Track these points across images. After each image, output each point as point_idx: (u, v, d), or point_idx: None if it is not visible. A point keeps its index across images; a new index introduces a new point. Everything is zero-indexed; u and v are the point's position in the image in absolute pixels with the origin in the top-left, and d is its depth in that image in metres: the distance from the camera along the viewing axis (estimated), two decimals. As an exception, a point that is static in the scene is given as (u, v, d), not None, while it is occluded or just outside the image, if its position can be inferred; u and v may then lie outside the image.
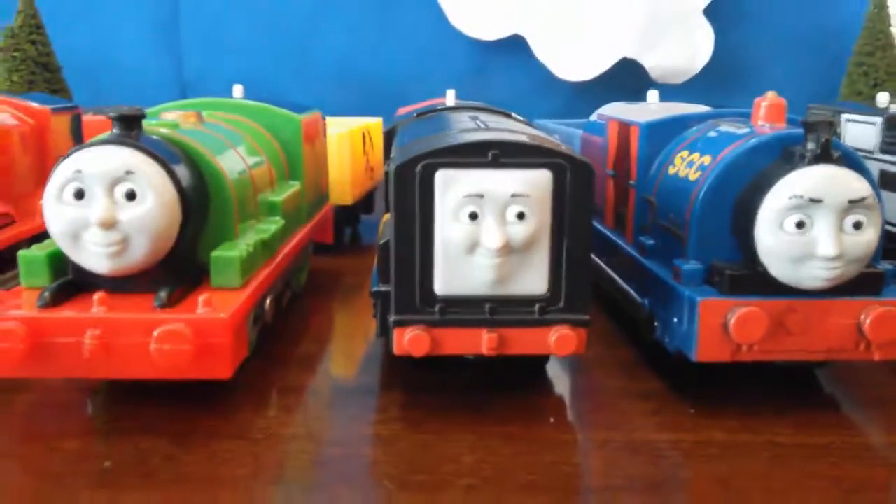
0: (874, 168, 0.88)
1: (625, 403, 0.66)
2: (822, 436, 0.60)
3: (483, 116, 0.77)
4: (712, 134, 0.70)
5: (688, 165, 0.69)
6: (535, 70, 1.92)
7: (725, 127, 0.70)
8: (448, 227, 0.56)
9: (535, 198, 0.56)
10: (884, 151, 0.86)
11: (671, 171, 0.71)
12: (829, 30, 1.95)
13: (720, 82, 2.00)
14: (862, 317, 0.60)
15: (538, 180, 0.57)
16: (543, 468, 0.55)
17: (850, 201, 0.58)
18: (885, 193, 0.86)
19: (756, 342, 0.60)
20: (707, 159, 0.66)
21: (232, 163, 0.66)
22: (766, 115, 0.67)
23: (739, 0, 1.95)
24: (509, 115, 0.87)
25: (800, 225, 0.59)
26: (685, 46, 1.90)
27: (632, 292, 0.75)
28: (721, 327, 0.60)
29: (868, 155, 0.89)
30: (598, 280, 0.84)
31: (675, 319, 0.64)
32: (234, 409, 0.62)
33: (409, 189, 0.56)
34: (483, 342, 0.58)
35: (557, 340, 0.58)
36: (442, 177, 0.56)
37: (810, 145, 0.60)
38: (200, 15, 1.92)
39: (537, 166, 0.57)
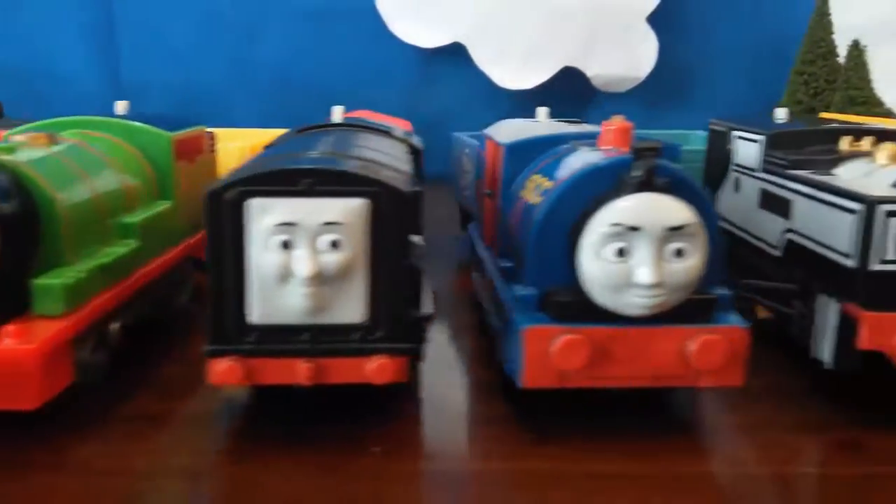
0: (756, 187, 0.88)
1: (471, 429, 0.66)
2: (642, 465, 0.60)
3: (344, 138, 0.77)
4: (560, 157, 0.70)
5: (535, 189, 0.68)
6: (477, 78, 1.92)
7: (575, 150, 0.70)
8: (260, 256, 0.56)
9: (350, 226, 0.56)
10: (765, 171, 0.85)
11: (523, 193, 0.71)
12: (775, 38, 1.95)
13: (665, 91, 2.00)
14: (687, 344, 0.60)
15: (353, 209, 0.56)
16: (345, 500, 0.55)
17: (670, 229, 0.58)
18: (764, 214, 0.86)
19: (579, 369, 0.60)
20: (549, 184, 0.66)
21: (72, 186, 0.66)
22: (613, 140, 0.67)
23: (684, 8, 1.95)
24: (388, 134, 0.87)
25: (620, 253, 0.58)
26: (628, 55, 1.90)
27: (492, 315, 0.75)
28: (546, 354, 0.60)
29: (751, 173, 0.89)
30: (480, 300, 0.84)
31: (510, 345, 0.64)
32: (63, 439, 0.61)
33: (221, 216, 0.56)
34: (300, 372, 0.58)
35: (376, 369, 0.58)
36: (254, 205, 0.56)
37: (634, 172, 0.59)
38: (137, 23, 1.92)
39: (353, 195, 0.56)
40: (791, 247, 0.78)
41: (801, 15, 1.85)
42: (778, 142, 0.86)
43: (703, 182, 1.06)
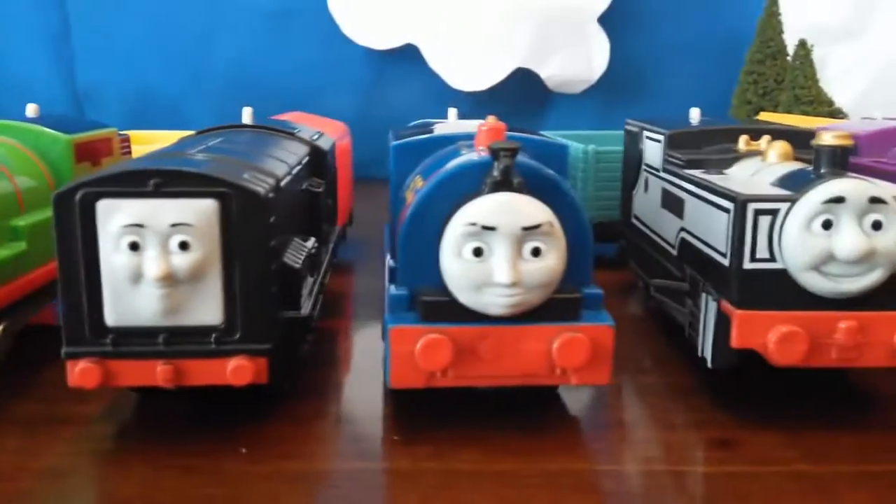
0: (658, 187, 0.88)
1: (343, 429, 0.66)
2: (502, 462, 0.60)
3: (232, 139, 0.77)
4: (438, 159, 0.69)
5: (413, 189, 0.68)
6: (431, 80, 1.92)
7: (454, 152, 0.70)
8: (111, 257, 0.56)
9: (200, 227, 0.56)
10: (664, 170, 0.85)
11: (406, 194, 0.71)
12: (729, 37, 1.95)
13: (620, 92, 2.01)
14: (551, 343, 0.60)
15: (203, 209, 0.56)
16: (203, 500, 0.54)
17: (525, 228, 0.58)
18: (665, 213, 0.86)
19: (444, 369, 0.60)
20: (422, 184, 0.66)
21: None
22: (486, 141, 0.67)
23: (636, 9, 1.96)
24: (292, 136, 0.87)
25: (477, 252, 0.58)
26: (581, 56, 1.91)
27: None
28: (411, 354, 0.60)
29: (656, 173, 0.89)
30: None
31: (384, 345, 0.64)
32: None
33: (71, 217, 0.56)
34: (159, 374, 0.58)
35: (234, 371, 0.58)
36: (103, 206, 0.55)
37: (493, 172, 0.59)
38: (92, 26, 1.92)
39: (202, 195, 0.56)
40: (683, 246, 0.78)
41: (755, 14, 1.86)
42: (676, 142, 0.86)
43: (621, 182, 1.07)
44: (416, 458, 0.60)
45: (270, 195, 0.59)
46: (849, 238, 0.61)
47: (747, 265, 0.64)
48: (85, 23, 1.91)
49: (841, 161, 0.65)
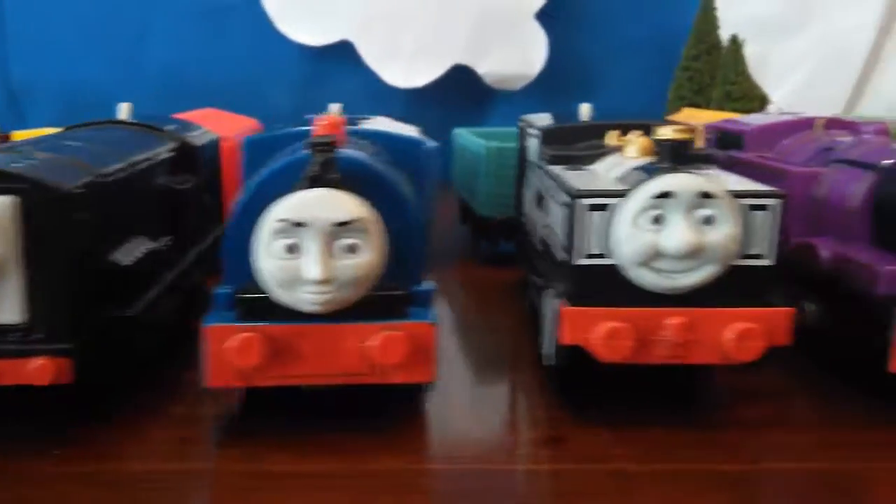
0: (535, 183, 0.87)
1: (176, 430, 0.65)
2: (317, 463, 0.59)
3: (85, 135, 0.75)
4: (280, 155, 0.69)
5: (250, 185, 0.67)
6: (368, 77, 1.91)
7: (297, 147, 0.69)
8: None
9: (-2, 224, 0.55)
10: (538, 167, 0.85)
11: (248, 190, 0.70)
12: (667, 34, 1.94)
13: (561, 89, 1.99)
14: (370, 341, 0.59)
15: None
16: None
17: (337, 224, 0.57)
18: (537, 209, 0.85)
19: (258, 367, 0.59)
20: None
21: None
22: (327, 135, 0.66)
23: (574, 5, 1.95)
24: (160, 132, 0.85)
25: (290, 249, 0.57)
26: (518, 52, 1.90)
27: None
28: (225, 353, 0.59)
29: (535, 169, 0.88)
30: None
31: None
32: None
33: None
34: (-39, 372, 0.57)
35: (34, 371, 0.57)
36: None
37: (310, 168, 0.58)
38: (25, 22, 1.90)
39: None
40: (544, 241, 0.77)
41: (694, 11, 1.85)
42: (550, 138, 0.85)
43: (516, 178, 1.06)
44: (228, 459, 0.59)
45: (78, 191, 0.57)
46: (676, 233, 0.60)
47: (580, 260, 0.64)
48: (20, 19, 1.89)
49: (680, 155, 0.64)
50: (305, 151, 0.61)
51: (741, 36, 1.90)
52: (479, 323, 0.93)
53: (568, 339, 0.63)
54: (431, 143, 1.10)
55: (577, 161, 0.79)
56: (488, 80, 1.92)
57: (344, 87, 1.96)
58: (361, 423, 0.64)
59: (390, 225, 0.61)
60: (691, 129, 0.65)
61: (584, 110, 0.99)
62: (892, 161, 0.73)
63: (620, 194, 0.62)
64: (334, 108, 0.97)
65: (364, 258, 0.58)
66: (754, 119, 1.02)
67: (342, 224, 0.57)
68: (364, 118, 0.93)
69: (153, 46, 1.92)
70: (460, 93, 1.97)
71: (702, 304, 0.62)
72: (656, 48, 1.96)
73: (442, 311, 0.95)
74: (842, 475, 0.58)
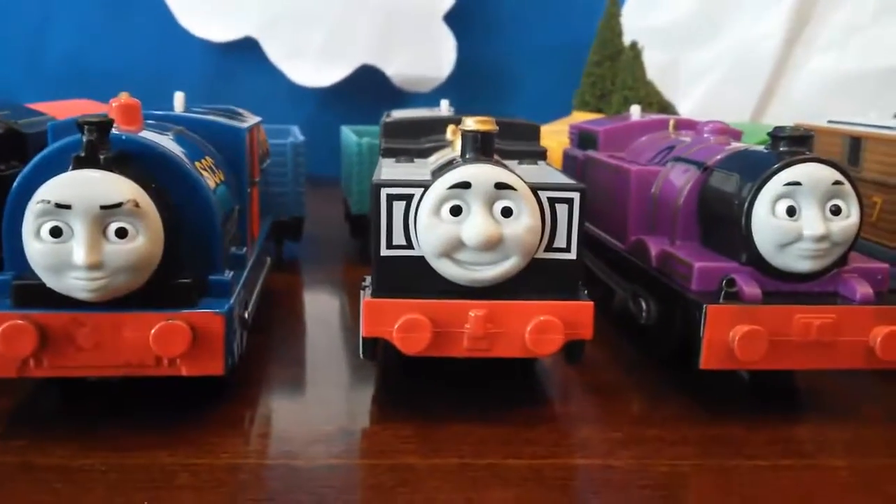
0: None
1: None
2: (91, 458, 0.56)
3: None
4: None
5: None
6: (276, 75, 1.88)
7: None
8: None
9: None
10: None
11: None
12: (576, 40, 1.95)
13: (474, 92, 1.99)
14: (150, 331, 0.57)
15: None
16: None
17: (104, 207, 0.54)
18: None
19: (31, 356, 0.56)
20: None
21: None
22: (119, 119, 0.63)
23: (483, 9, 1.95)
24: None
25: (55, 232, 0.54)
26: (427, 54, 1.89)
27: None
28: (-3, 342, 0.56)
29: (381, 162, 0.87)
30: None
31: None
32: None
33: None
34: None
35: None
36: None
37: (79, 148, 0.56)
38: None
39: None
40: (372, 235, 0.76)
41: (599, 16, 1.86)
42: (390, 131, 0.84)
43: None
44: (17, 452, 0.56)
45: None
46: (475, 224, 0.59)
47: (384, 252, 0.62)
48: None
49: (482, 146, 0.63)
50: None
51: (650, 43, 1.92)
52: (336, 320, 0.91)
53: (368, 331, 0.61)
54: (295, 138, 1.09)
55: (414, 154, 0.78)
56: (396, 81, 1.91)
57: (253, 85, 1.94)
58: (158, 417, 0.62)
59: (182, 210, 0.59)
60: (493, 121, 0.63)
61: (444, 105, 0.98)
62: (716, 159, 0.72)
63: (422, 185, 0.61)
64: (178, 96, 0.94)
65: (137, 243, 0.55)
66: (610, 120, 1.02)
67: (110, 207, 0.54)
68: None
69: (54, 39, 1.88)
70: (373, 93, 1.95)
71: (504, 297, 0.61)
72: (566, 54, 1.96)
73: (311, 311, 0.94)
74: (642, 472, 0.57)
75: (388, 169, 0.68)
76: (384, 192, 0.61)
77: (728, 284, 0.64)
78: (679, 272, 0.69)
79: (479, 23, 1.94)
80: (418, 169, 0.69)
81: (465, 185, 0.59)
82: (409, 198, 0.61)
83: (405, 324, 0.59)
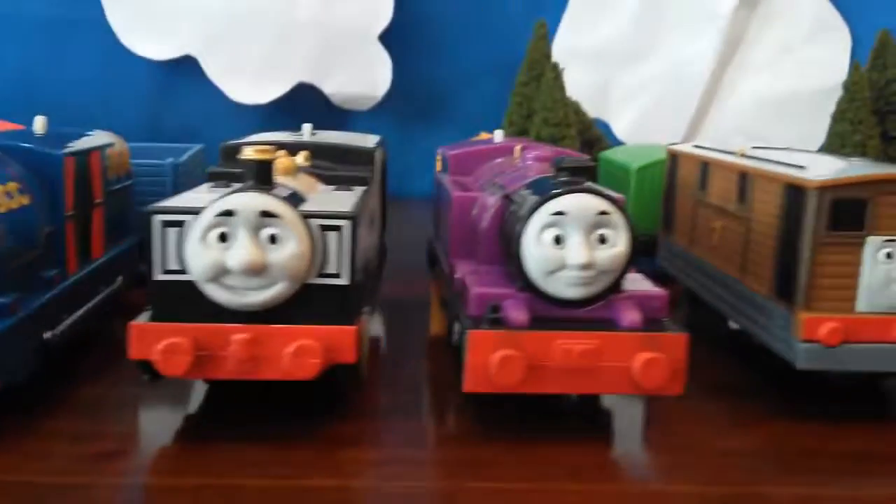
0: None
1: None
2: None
3: None
4: None
5: None
6: (214, 93, 1.92)
7: None
8: None
9: None
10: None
11: None
12: (512, 59, 1.97)
13: (410, 110, 2.02)
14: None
15: None
16: None
17: None
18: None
19: None
20: None
21: None
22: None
23: (419, 29, 1.98)
24: None
25: None
26: (363, 73, 1.92)
27: None
28: None
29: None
30: None
31: None
32: None
33: None
34: None
35: None
36: None
37: None
38: None
39: None
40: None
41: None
42: (225, 155, 0.87)
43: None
44: None
45: None
46: (237, 251, 0.61)
47: (159, 276, 0.65)
48: None
49: (258, 175, 0.65)
50: None
51: (584, 64, 1.95)
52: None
53: (135, 353, 0.63)
54: (176, 159, 1.12)
55: (237, 179, 0.80)
56: (335, 99, 1.94)
57: (194, 103, 1.97)
58: None
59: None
60: (272, 150, 0.66)
61: (306, 130, 1.01)
62: (515, 187, 0.74)
63: (193, 212, 0.63)
64: (39, 119, 0.97)
65: None
66: (465, 144, 1.04)
67: None
68: None
69: (-1, 58, 1.92)
70: (313, 111, 1.98)
71: (274, 322, 0.64)
72: (502, 73, 1.98)
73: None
74: (396, 496, 0.59)
75: (183, 195, 0.70)
76: (156, 218, 0.64)
77: (493, 310, 0.66)
78: (464, 297, 0.71)
79: (416, 43, 1.97)
80: (213, 195, 0.71)
81: (230, 213, 0.62)
82: (181, 224, 0.64)
83: (166, 347, 0.62)
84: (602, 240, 0.66)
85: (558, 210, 0.65)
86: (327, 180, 0.80)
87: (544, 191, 0.67)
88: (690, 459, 0.68)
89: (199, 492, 0.58)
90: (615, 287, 0.68)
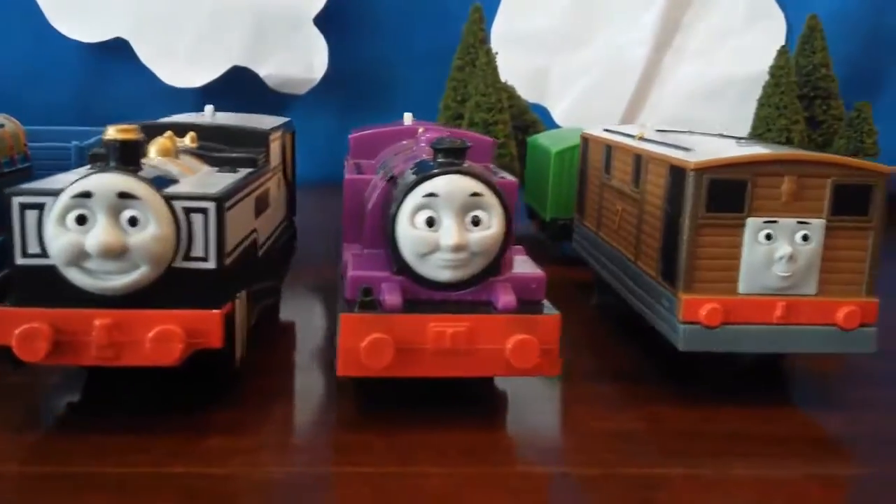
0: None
1: None
2: None
3: None
4: None
5: None
6: (152, 76, 1.88)
7: None
8: None
9: None
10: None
11: None
12: (450, 43, 1.96)
13: (351, 93, 2.00)
14: None
15: None
16: None
17: None
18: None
19: None
20: None
21: None
22: None
23: (356, 12, 1.96)
24: None
25: None
26: (298, 56, 1.90)
27: None
28: None
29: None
30: None
31: None
32: None
33: None
34: None
35: None
36: None
37: None
38: None
39: None
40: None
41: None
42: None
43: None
44: None
45: None
46: (95, 234, 0.60)
47: (20, 260, 0.63)
48: None
49: (122, 155, 0.63)
50: None
51: (523, 48, 1.94)
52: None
53: (-10, 340, 0.62)
54: (80, 142, 1.09)
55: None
56: (270, 82, 1.92)
57: (127, 86, 1.94)
58: None
59: None
60: (135, 130, 0.64)
61: (208, 111, 0.99)
62: (400, 169, 0.73)
63: (52, 193, 0.62)
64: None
65: None
66: (371, 127, 1.03)
67: None
68: None
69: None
70: (250, 95, 1.96)
71: (138, 306, 0.62)
72: (442, 57, 1.97)
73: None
74: (260, 483, 0.59)
75: (54, 177, 0.69)
76: (16, 200, 0.62)
77: (364, 294, 0.65)
78: (343, 280, 0.70)
79: (353, 25, 1.95)
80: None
81: (87, 195, 0.60)
82: (41, 206, 0.62)
83: (23, 332, 0.60)
84: (476, 221, 0.65)
85: (430, 192, 0.64)
86: (213, 162, 0.79)
87: (421, 173, 0.67)
88: (572, 441, 0.68)
89: (51, 481, 0.57)
90: (493, 269, 0.67)
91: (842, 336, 0.72)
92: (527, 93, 1.97)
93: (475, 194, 0.65)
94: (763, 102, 1.50)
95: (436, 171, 0.65)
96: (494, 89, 1.62)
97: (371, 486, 0.58)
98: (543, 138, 1.38)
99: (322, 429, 0.67)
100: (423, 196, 0.64)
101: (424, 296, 0.67)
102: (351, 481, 0.59)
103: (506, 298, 0.66)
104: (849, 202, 0.71)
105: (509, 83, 1.90)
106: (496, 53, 1.69)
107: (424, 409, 0.69)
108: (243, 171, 0.76)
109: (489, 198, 0.65)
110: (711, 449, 0.66)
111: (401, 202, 0.65)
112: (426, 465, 0.61)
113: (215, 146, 0.82)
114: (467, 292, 0.67)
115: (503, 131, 1.60)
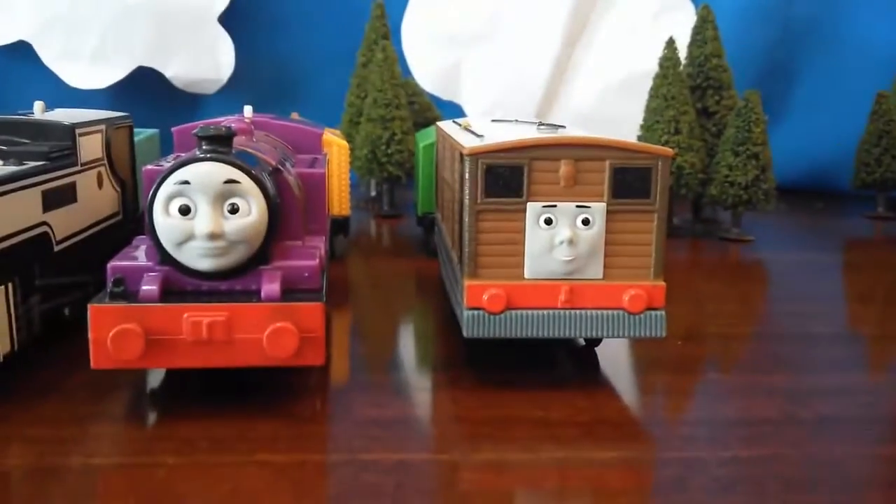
0: None
1: None
2: None
3: None
4: None
5: None
6: (56, 78, 1.86)
7: None
8: None
9: None
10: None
11: None
12: (357, 41, 1.95)
13: (260, 93, 1.99)
14: None
15: None
16: None
17: None
18: None
19: None
20: None
21: None
22: None
23: (261, 11, 1.94)
24: None
25: None
26: (204, 56, 1.88)
27: None
28: None
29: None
30: None
31: None
32: None
33: None
34: None
35: None
36: None
37: None
38: None
39: None
40: None
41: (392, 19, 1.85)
42: None
43: None
44: None
45: None
46: None
47: None
48: None
49: None
50: None
51: (435, 44, 1.93)
52: None
53: None
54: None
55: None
56: (177, 83, 1.90)
57: (33, 89, 1.91)
58: None
59: None
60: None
61: (37, 107, 0.98)
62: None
63: None
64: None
65: None
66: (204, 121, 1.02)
67: None
68: None
69: None
70: (158, 96, 1.94)
71: None
72: (347, 56, 1.96)
73: None
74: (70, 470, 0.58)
75: None
76: None
77: (115, 284, 0.64)
78: (113, 273, 0.69)
79: (259, 24, 1.94)
80: None
81: None
82: None
83: None
84: (233, 209, 0.64)
85: (183, 179, 0.63)
86: (7, 155, 0.77)
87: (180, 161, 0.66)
88: (376, 431, 0.66)
89: None
90: (260, 258, 0.66)
91: (630, 320, 0.71)
92: (440, 90, 1.96)
93: (230, 181, 0.64)
94: (652, 94, 1.49)
95: (190, 159, 0.64)
96: (391, 85, 1.61)
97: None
98: (422, 134, 1.37)
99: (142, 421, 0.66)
100: (176, 184, 0.63)
101: (190, 286, 0.66)
102: (174, 473, 0.58)
103: (269, 287, 0.65)
104: (629, 185, 0.70)
105: (418, 80, 1.90)
106: (394, 49, 1.69)
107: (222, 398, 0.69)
108: (30, 164, 0.75)
109: (247, 185, 0.64)
110: (521, 434, 0.65)
111: (155, 191, 0.64)
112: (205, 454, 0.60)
113: (12, 139, 0.81)
114: (235, 281, 0.66)
115: (401, 127, 1.59)
